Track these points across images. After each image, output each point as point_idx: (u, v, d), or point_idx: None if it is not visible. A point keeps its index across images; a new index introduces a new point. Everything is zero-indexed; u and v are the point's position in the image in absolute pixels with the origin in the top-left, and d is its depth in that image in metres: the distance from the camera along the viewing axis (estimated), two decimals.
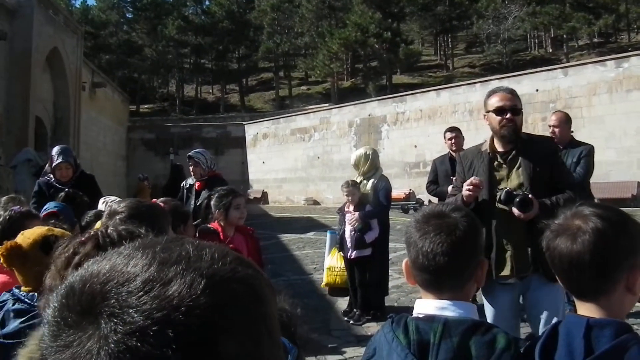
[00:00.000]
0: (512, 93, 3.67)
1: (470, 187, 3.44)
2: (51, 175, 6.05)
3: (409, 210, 22.77)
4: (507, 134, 3.55)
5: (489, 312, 3.58)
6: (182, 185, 6.85)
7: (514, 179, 3.57)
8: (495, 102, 3.61)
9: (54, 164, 6.03)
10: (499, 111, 3.57)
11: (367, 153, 7.03)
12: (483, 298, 3.65)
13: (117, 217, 2.12)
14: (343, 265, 6.96)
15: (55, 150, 6.24)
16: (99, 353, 0.54)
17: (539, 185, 3.48)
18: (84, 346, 0.55)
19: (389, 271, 9.22)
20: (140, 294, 0.56)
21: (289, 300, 1.46)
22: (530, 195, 3.34)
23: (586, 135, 19.19)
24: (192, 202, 6.27)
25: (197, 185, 6.42)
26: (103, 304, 0.56)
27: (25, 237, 2.04)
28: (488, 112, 3.64)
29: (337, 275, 7.10)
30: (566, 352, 1.36)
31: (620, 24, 42.63)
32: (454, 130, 6.98)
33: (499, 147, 3.65)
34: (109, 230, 1.68)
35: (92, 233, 1.68)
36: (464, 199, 3.47)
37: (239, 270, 0.62)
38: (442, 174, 6.81)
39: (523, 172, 3.53)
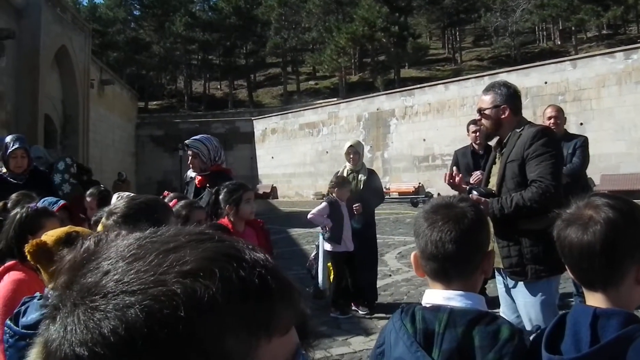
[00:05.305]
0: (485, 91, 3.58)
1: (452, 179, 3.55)
2: (3, 168, 5.36)
3: (418, 204, 22.67)
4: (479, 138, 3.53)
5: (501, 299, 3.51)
6: (185, 176, 5.93)
7: (495, 174, 3.52)
8: None
9: (8, 152, 5.28)
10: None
11: (362, 145, 7.07)
12: (499, 288, 3.55)
13: (112, 217, 2.12)
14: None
15: (9, 137, 5.47)
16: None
17: (509, 181, 3.33)
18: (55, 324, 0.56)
19: (400, 265, 9.29)
20: (101, 284, 0.55)
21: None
22: (476, 196, 3.26)
23: (595, 128, 19.10)
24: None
25: (197, 180, 5.11)
26: (70, 288, 0.57)
27: (49, 235, 2.10)
28: None
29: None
30: (572, 342, 1.37)
31: (629, 15, 42.28)
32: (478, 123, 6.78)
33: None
34: None
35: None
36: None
37: (181, 282, 0.53)
38: (463, 167, 6.20)
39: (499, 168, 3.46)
